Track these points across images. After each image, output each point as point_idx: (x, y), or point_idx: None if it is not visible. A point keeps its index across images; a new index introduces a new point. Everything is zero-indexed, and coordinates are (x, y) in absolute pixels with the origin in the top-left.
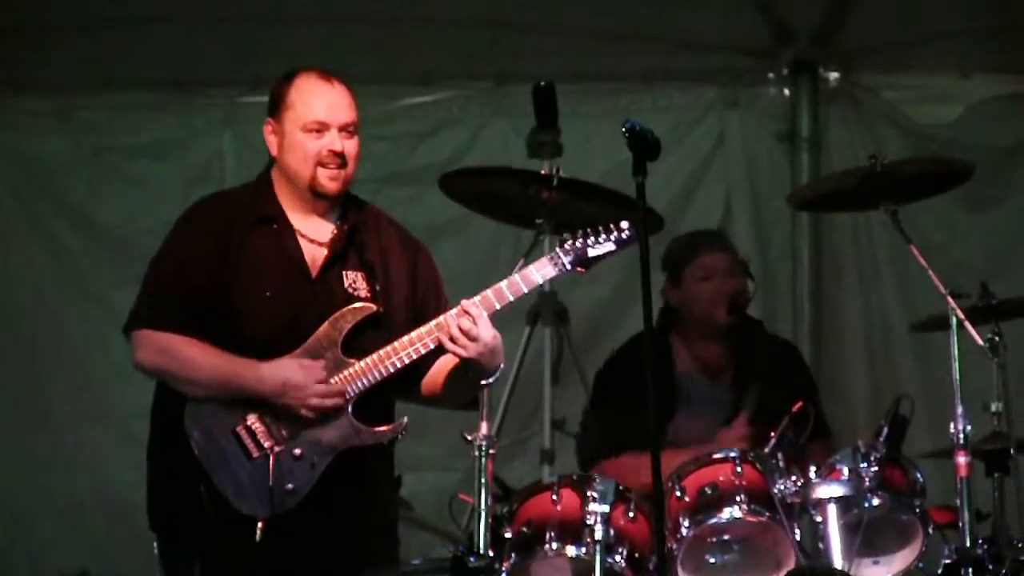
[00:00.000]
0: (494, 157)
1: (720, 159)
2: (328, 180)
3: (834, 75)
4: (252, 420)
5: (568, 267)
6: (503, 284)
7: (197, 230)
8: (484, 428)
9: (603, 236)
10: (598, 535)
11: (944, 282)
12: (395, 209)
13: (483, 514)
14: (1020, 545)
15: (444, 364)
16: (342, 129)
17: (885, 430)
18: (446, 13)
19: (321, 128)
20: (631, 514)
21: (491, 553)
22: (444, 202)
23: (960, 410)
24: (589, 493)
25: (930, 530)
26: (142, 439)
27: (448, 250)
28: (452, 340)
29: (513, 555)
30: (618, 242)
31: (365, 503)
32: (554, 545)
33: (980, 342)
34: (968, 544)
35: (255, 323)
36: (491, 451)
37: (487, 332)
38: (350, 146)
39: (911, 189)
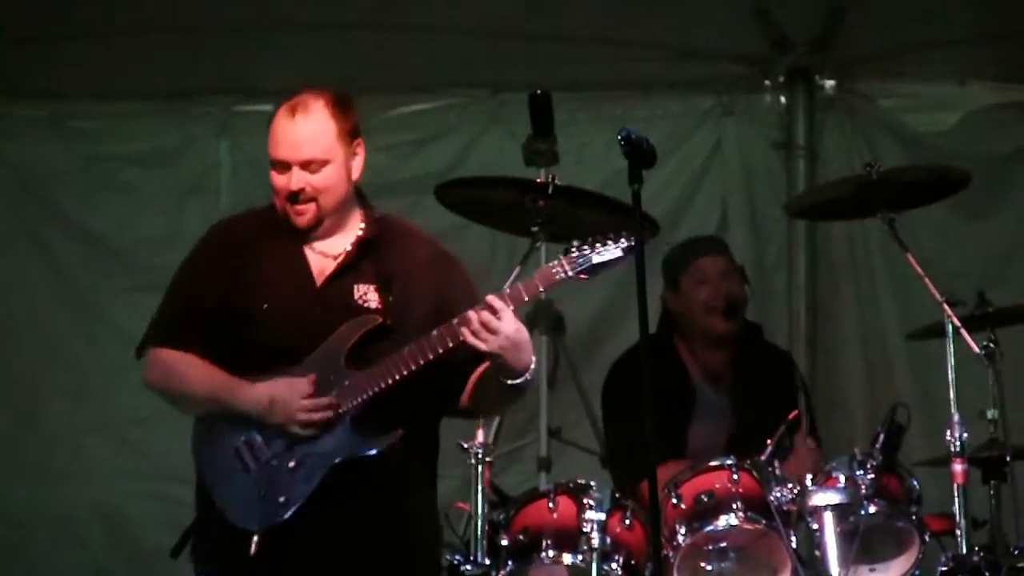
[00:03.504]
0: (490, 165)
1: (716, 167)
2: (296, 216)
3: (830, 83)
4: (252, 435)
5: (571, 274)
6: (523, 281)
7: (210, 249)
8: (480, 436)
9: (610, 243)
10: (594, 542)
11: (940, 290)
12: None
13: (479, 522)
14: (1016, 552)
15: (477, 372)
16: (304, 166)
17: (881, 438)
18: (442, 21)
19: (282, 166)
20: (627, 522)
21: (488, 561)
22: (439, 211)
23: (956, 418)
24: (585, 501)
25: (926, 538)
26: (138, 447)
27: None
28: (473, 334)
29: (510, 563)
30: (627, 250)
31: (378, 517)
32: (551, 552)
33: (976, 350)
34: (964, 552)
35: (257, 335)
36: (487, 459)
37: (509, 325)
38: (316, 180)
39: (907, 197)
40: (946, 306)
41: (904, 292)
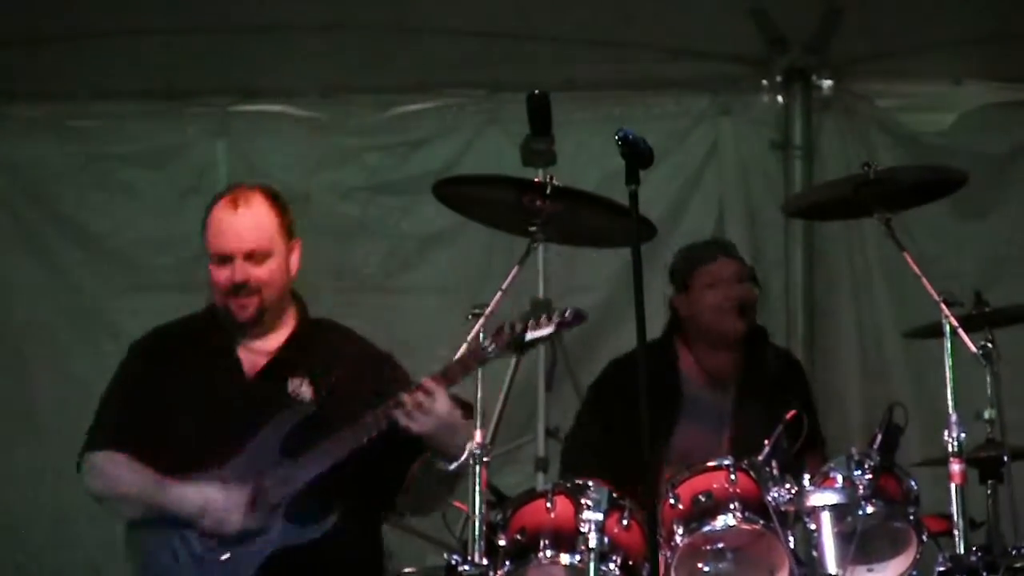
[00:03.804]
0: (488, 165)
1: (713, 167)
2: (239, 309)
3: (827, 83)
4: (185, 531)
5: (498, 352)
6: (455, 361)
7: (142, 357)
8: (478, 436)
9: (544, 319)
10: (592, 543)
11: (938, 290)
12: (388, 218)
13: (477, 522)
14: (1014, 553)
15: (416, 464)
16: (247, 258)
17: (879, 438)
18: (440, 22)
19: (224, 259)
20: (625, 522)
21: (485, 561)
22: (437, 211)
23: (954, 418)
24: (583, 501)
25: (924, 538)
26: None
27: (441, 259)
28: (407, 416)
29: (507, 563)
30: (559, 324)
31: None
32: (548, 553)
33: (974, 350)
34: (962, 552)
35: (193, 433)
36: (485, 459)
37: (443, 406)
38: (259, 272)
39: (904, 197)
40: (943, 306)
41: (901, 292)
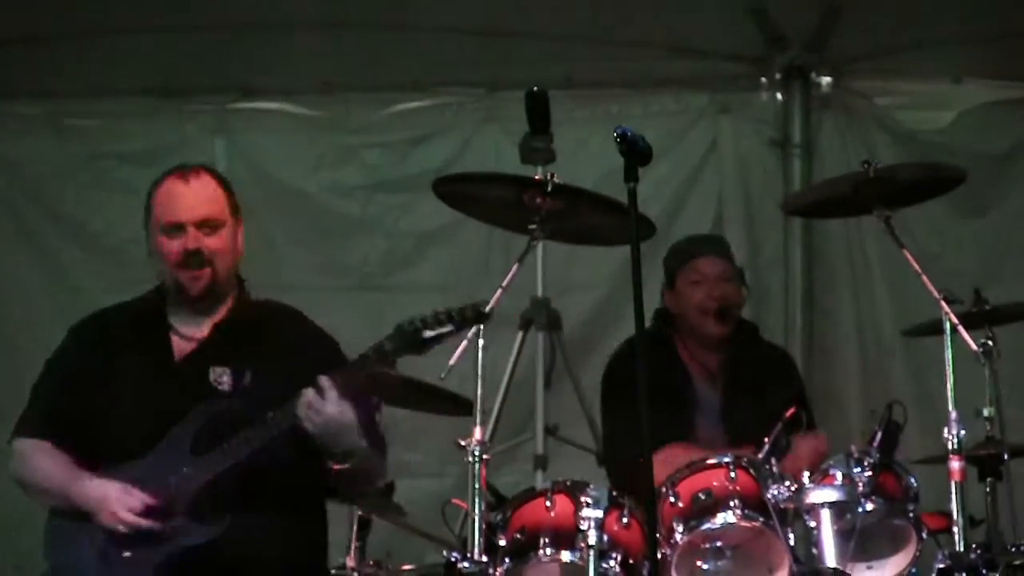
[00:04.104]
0: (486, 163)
1: (712, 165)
2: (191, 281)
3: (826, 81)
4: (94, 525)
5: (397, 350)
6: (353, 360)
7: (75, 344)
8: (477, 434)
9: (444, 317)
10: (592, 541)
11: (937, 287)
12: (386, 216)
13: (476, 520)
14: (1013, 550)
15: None
16: (200, 226)
17: (878, 436)
18: (439, 20)
19: (176, 228)
20: (625, 520)
21: (485, 559)
22: (436, 209)
23: (954, 415)
24: (583, 499)
25: (923, 535)
26: None
27: (440, 257)
28: (304, 412)
29: (507, 561)
30: (459, 324)
31: None
32: (548, 551)
33: (974, 347)
34: (961, 549)
35: (115, 422)
36: (484, 457)
37: (332, 407)
38: (212, 242)
39: (904, 195)
40: (943, 303)
41: (900, 289)
